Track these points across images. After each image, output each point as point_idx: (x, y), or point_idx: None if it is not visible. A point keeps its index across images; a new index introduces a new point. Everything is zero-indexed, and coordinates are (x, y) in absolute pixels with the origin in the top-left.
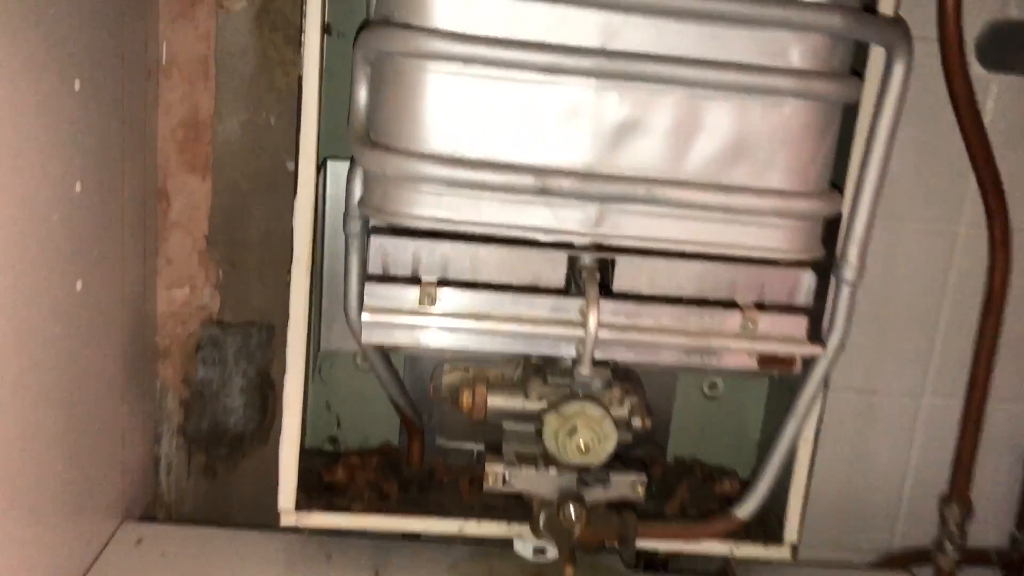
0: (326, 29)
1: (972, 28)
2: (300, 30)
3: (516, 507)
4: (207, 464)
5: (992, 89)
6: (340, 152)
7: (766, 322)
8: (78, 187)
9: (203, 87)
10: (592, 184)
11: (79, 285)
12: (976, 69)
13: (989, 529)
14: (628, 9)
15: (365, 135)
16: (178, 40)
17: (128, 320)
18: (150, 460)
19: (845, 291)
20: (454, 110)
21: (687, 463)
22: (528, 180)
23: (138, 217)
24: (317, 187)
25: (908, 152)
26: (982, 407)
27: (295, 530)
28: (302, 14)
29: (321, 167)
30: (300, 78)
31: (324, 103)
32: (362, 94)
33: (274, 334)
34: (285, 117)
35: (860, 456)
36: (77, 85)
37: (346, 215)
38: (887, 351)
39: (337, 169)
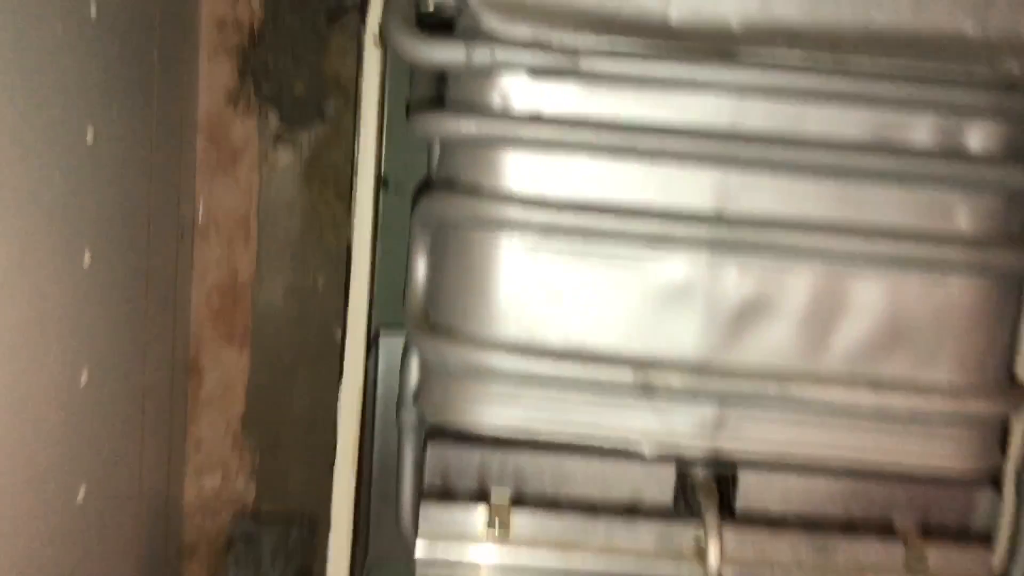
0: (382, 183)
1: None
2: (351, 180)
3: None
4: None
5: None
6: (397, 319)
7: (936, 557)
8: (84, 378)
9: (243, 248)
10: (708, 380)
11: (81, 493)
12: None
13: None
14: (749, 165)
15: (424, 316)
16: (216, 197)
17: (147, 517)
18: None
19: None
20: (533, 289)
21: None
22: (626, 375)
23: (163, 395)
24: (368, 363)
25: None
26: None
27: None
28: (353, 166)
29: (374, 339)
30: (349, 241)
31: (378, 265)
32: (421, 266)
33: (317, 529)
34: (334, 280)
35: None
36: (87, 260)
37: (400, 404)
38: None
39: (392, 345)
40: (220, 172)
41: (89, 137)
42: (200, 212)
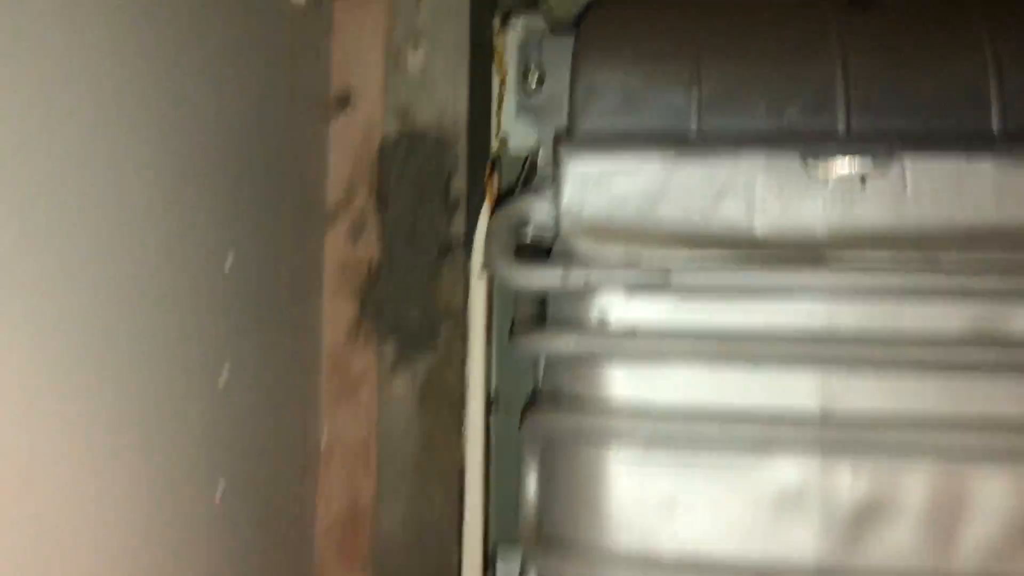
0: (492, 402)
1: None
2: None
3: None
4: None
5: None
6: (514, 535)
7: None
8: None
9: (364, 473)
10: None
11: None
12: None
13: None
14: (849, 364)
15: (538, 531)
16: (339, 425)
17: None
18: None
19: None
20: (643, 499)
21: None
22: None
23: None
24: None
25: None
26: None
27: None
28: (465, 387)
29: (492, 558)
30: (463, 462)
31: (493, 484)
32: (532, 482)
33: None
34: (451, 501)
35: None
36: (220, 490)
37: None
38: None
39: (511, 558)
40: (343, 399)
41: (223, 380)
42: (324, 440)
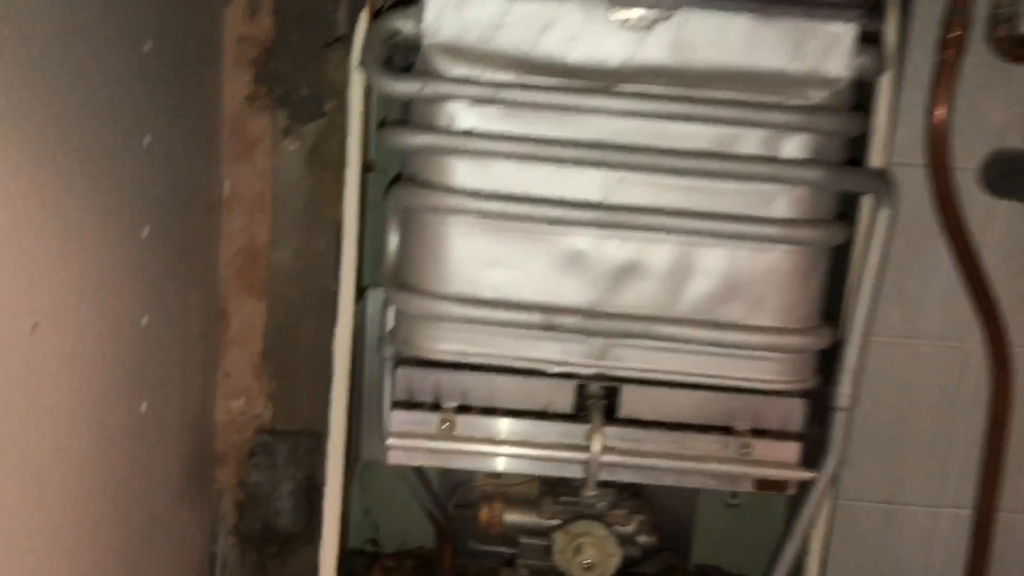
0: (368, 167)
1: (976, 156)
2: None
3: None
4: (258, 562)
5: (998, 213)
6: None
7: (761, 448)
8: (144, 321)
9: (260, 219)
10: (594, 322)
11: (143, 407)
12: (980, 194)
13: None
14: (624, 167)
15: (395, 276)
16: (238, 178)
17: (189, 430)
18: (207, 557)
19: (839, 417)
20: (471, 257)
21: (707, 570)
22: (536, 318)
23: (201, 336)
24: (360, 311)
25: (923, 274)
26: (990, 514)
27: None
28: (345, 153)
29: (363, 293)
30: (342, 216)
31: (368, 234)
32: (393, 241)
33: (320, 442)
34: (333, 245)
35: (882, 563)
36: (146, 231)
37: (381, 340)
38: (904, 464)
39: (378, 295)
40: (242, 157)
41: (146, 141)
42: (226, 190)
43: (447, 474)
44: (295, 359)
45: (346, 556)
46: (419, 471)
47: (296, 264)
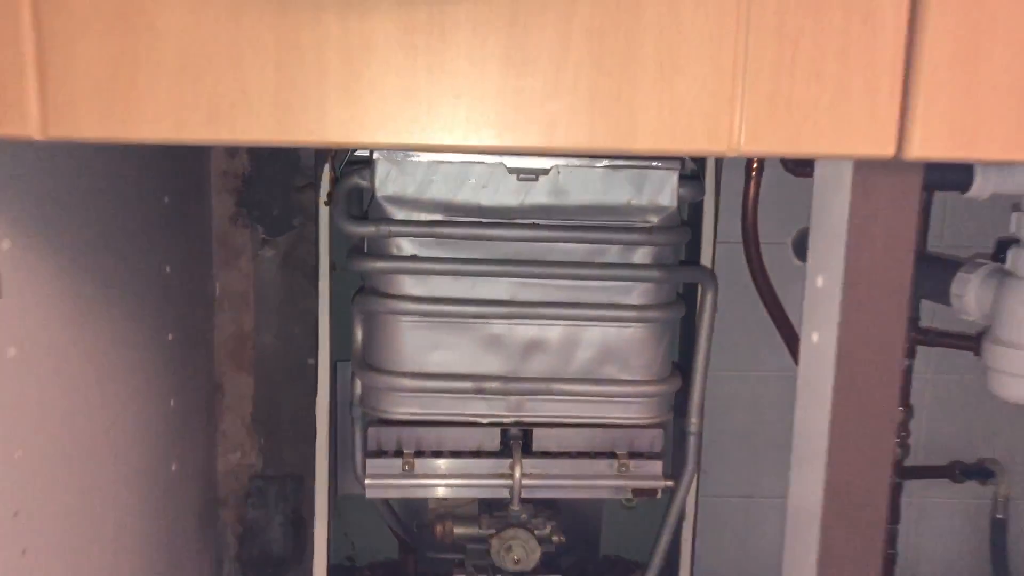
0: (332, 267)
1: (789, 233)
2: (314, 268)
3: None
4: None
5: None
6: (346, 356)
7: (635, 466)
8: (172, 403)
9: (246, 311)
10: (511, 385)
11: (173, 467)
12: (795, 260)
13: None
14: (524, 275)
15: (362, 359)
16: (227, 280)
17: (202, 481)
18: None
19: (691, 440)
20: (418, 345)
21: (612, 560)
22: (469, 385)
23: (205, 406)
24: (331, 381)
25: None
26: None
27: None
28: (316, 267)
29: (334, 370)
30: (317, 314)
31: (333, 319)
32: (359, 334)
33: (303, 483)
34: (305, 329)
35: (746, 545)
36: (170, 336)
37: (351, 404)
38: (759, 466)
39: (344, 367)
40: (227, 264)
41: (167, 269)
42: (218, 291)
43: (407, 503)
44: (279, 419)
45: (331, 571)
46: (386, 502)
47: (277, 345)
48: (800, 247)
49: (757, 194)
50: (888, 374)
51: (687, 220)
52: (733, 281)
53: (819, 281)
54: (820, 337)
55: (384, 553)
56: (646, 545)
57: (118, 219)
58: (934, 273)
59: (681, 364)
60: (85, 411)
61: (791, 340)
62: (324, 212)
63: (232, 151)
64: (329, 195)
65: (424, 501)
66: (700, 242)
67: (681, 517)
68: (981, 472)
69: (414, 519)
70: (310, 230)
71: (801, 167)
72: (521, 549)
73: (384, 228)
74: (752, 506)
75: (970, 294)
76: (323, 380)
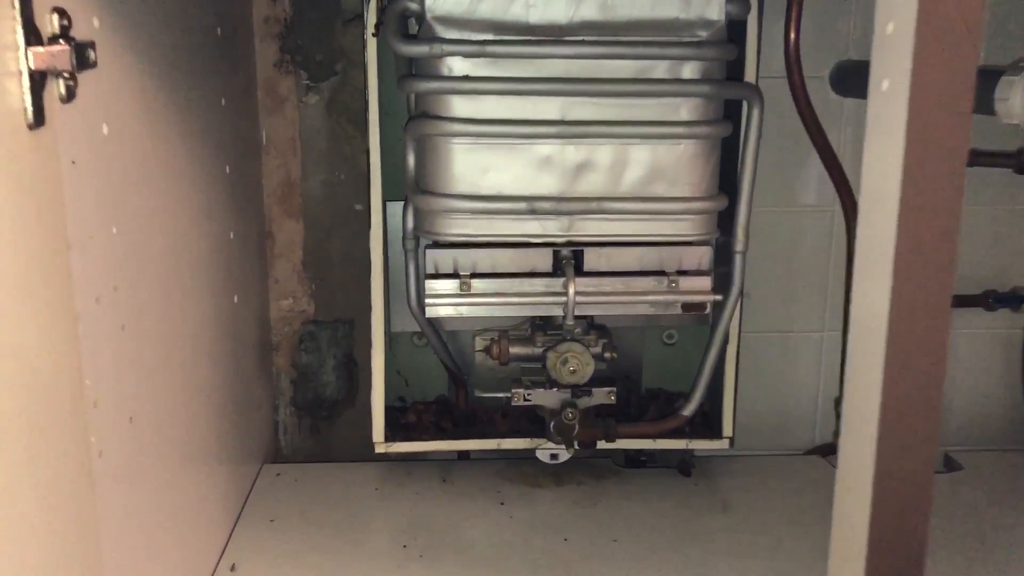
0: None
1: (826, 66)
2: (361, 113)
3: (535, 429)
4: (312, 425)
5: (844, 108)
6: (393, 196)
7: (684, 282)
8: (231, 235)
9: (292, 159)
10: (562, 204)
11: (236, 299)
12: (831, 95)
13: None
14: (575, 94)
15: (415, 185)
16: (273, 128)
17: (257, 324)
18: (272, 425)
19: (737, 258)
20: (471, 167)
21: (655, 392)
22: (522, 205)
23: (257, 252)
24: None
25: (797, 160)
26: None
27: (384, 457)
28: (365, 104)
29: (383, 208)
30: (367, 151)
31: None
32: (411, 160)
33: (354, 327)
34: (351, 174)
35: (783, 379)
36: (227, 169)
37: (404, 237)
38: (795, 302)
39: (392, 208)
40: (274, 111)
41: (223, 101)
42: (264, 138)
43: (455, 336)
44: (328, 265)
45: (385, 409)
46: (438, 335)
47: (323, 191)
48: (839, 81)
49: (799, 14)
50: (959, 118)
51: (735, 37)
52: (767, 118)
53: (889, 28)
54: (891, 84)
55: (436, 390)
56: (685, 380)
57: (182, 36)
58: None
59: (724, 188)
60: (164, 208)
61: (835, 172)
62: (372, 47)
63: None
64: (376, 26)
65: (472, 341)
66: (743, 64)
67: (726, 340)
68: (1015, 299)
69: (462, 358)
70: (354, 76)
71: None
72: (576, 361)
73: (437, 47)
74: (789, 341)
75: (1016, 97)
76: (376, 215)
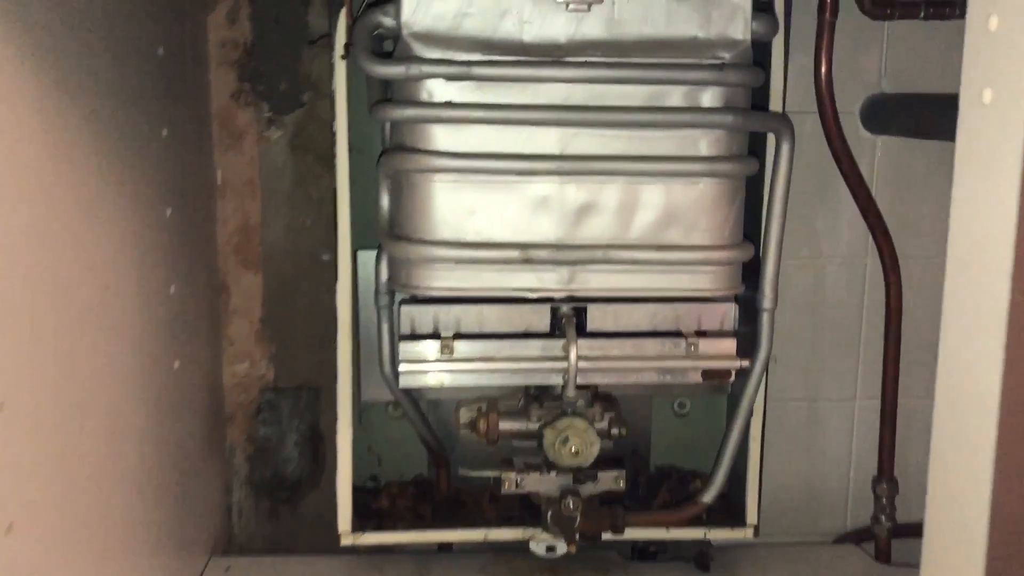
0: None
1: (856, 101)
2: (329, 150)
3: (529, 516)
4: (271, 508)
5: (876, 147)
6: (365, 244)
7: (704, 345)
8: (172, 289)
9: (251, 201)
10: (562, 252)
11: (176, 365)
12: (862, 132)
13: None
14: (576, 124)
15: (390, 230)
16: (230, 166)
17: (207, 391)
18: (223, 507)
19: (765, 317)
20: (455, 208)
21: (665, 470)
22: (514, 253)
23: (208, 309)
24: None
25: (826, 206)
26: (894, 400)
27: (352, 550)
28: (333, 138)
29: (354, 258)
30: (335, 192)
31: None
32: (385, 201)
33: (319, 395)
34: (318, 220)
35: (810, 454)
36: (168, 212)
37: (377, 292)
38: (823, 366)
39: (365, 258)
40: (230, 148)
41: (164, 132)
42: (219, 178)
43: (436, 408)
44: (291, 324)
45: (353, 491)
46: (417, 408)
47: (286, 239)
48: (870, 116)
49: (831, 41)
50: None
51: (759, 62)
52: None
53: (992, 22)
54: (995, 95)
55: (414, 469)
56: (699, 456)
57: (104, 48)
58: None
59: (748, 235)
60: (73, 257)
61: (871, 216)
62: (341, 71)
63: (233, 16)
64: (346, 46)
65: (458, 403)
66: (767, 93)
67: (750, 414)
68: None
69: (444, 431)
70: (322, 108)
71: (881, 6)
72: (579, 440)
73: (415, 68)
74: (816, 409)
75: None
76: (344, 266)
